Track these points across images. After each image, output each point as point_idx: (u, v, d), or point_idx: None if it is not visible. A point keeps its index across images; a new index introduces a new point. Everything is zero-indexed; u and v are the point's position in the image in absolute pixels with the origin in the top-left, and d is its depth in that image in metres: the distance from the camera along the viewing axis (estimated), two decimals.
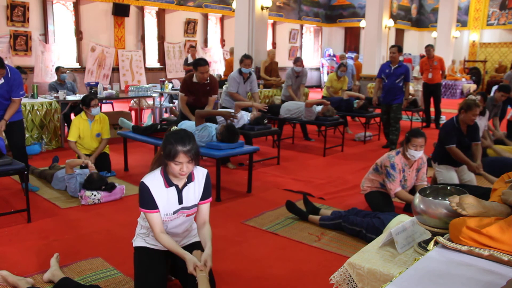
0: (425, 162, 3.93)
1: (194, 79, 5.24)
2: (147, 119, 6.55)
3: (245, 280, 2.78)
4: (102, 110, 6.60)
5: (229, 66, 10.28)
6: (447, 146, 4.35)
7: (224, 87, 6.79)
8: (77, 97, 6.67)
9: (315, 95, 13.34)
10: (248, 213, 3.93)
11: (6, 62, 4.13)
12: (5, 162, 3.51)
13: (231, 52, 10.54)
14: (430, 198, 1.78)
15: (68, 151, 5.78)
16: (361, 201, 4.23)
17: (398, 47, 6.66)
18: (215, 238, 3.33)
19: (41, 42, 10.62)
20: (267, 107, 5.75)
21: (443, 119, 9.41)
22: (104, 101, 7.63)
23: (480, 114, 4.86)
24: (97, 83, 8.11)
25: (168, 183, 2.32)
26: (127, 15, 11.95)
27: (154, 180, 2.31)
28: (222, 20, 14.99)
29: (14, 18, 10.17)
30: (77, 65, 11.54)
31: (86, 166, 4.40)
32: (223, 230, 3.54)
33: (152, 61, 13.33)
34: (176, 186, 2.34)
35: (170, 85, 8.73)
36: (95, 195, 4.08)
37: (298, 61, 7.23)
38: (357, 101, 7.54)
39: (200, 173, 2.43)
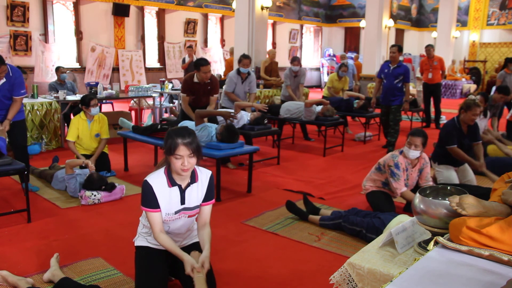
0: (427, 162, 3.93)
1: (195, 79, 5.24)
2: (147, 119, 6.55)
3: (245, 280, 2.78)
4: (102, 110, 6.61)
5: (229, 66, 10.28)
6: (448, 146, 4.35)
7: (224, 87, 6.79)
8: (77, 97, 6.66)
9: (315, 95, 13.34)
10: (248, 213, 3.93)
11: (6, 62, 4.13)
12: (5, 162, 3.51)
13: (231, 52, 10.54)
14: (430, 198, 1.78)
15: (68, 151, 5.77)
16: (361, 201, 4.23)
17: (398, 47, 6.49)
18: (215, 238, 3.33)
19: (41, 42, 10.62)
20: (267, 107, 5.75)
21: (443, 119, 9.41)
22: (104, 101, 7.63)
23: (482, 115, 4.86)
24: (97, 83, 8.11)
25: (171, 182, 2.32)
26: (127, 15, 11.96)
27: (157, 179, 2.31)
28: (222, 20, 15.00)
29: (14, 18, 10.17)
30: (77, 65, 11.54)
31: (86, 166, 4.40)
32: (223, 230, 3.54)
33: (152, 61, 13.33)
34: (179, 186, 2.33)
35: (170, 85, 8.73)
36: (95, 195, 4.08)
37: (295, 60, 7.21)
38: (357, 101, 7.53)
39: (204, 174, 2.43)
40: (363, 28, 15.40)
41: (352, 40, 19.22)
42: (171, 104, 9.01)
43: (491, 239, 1.49)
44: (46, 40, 10.75)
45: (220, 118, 5.35)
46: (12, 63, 9.44)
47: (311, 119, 6.39)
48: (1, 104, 4.14)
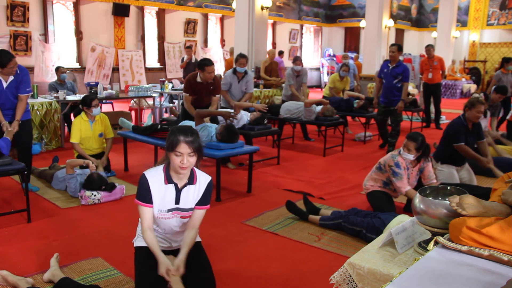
0: (428, 161, 3.93)
1: (198, 79, 5.24)
2: (147, 119, 6.55)
3: (245, 280, 2.78)
4: (102, 110, 6.60)
5: (229, 66, 10.28)
6: (456, 144, 4.35)
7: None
8: (77, 97, 6.66)
9: (315, 95, 13.34)
10: (248, 213, 3.93)
11: None
12: (5, 162, 3.51)
13: (231, 52, 10.54)
14: (430, 198, 1.78)
15: (68, 151, 5.78)
16: (361, 201, 4.23)
17: (398, 46, 6.40)
18: (215, 238, 3.34)
19: (41, 42, 10.62)
20: (267, 108, 5.75)
21: (443, 119, 9.41)
22: (104, 101, 7.63)
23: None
24: (97, 83, 8.10)
25: (168, 180, 2.32)
26: (127, 15, 11.95)
27: (154, 175, 2.32)
28: (222, 20, 14.99)
29: (14, 18, 10.17)
30: (77, 65, 11.54)
31: (86, 166, 4.39)
32: (223, 230, 3.54)
33: (152, 61, 13.33)
34: (176, 185, 2.34)
35: (170, 85, 8.73)
36: (95, 195, 4.08)
37: (297, 60, 7.21)
38: (357, 101, 7.53)
39: (203, 178, 2.43)
40: (363, 28, 15.40)
41: (352, 40, 19.22)
42: (171, 104, 9.01)
43: (491, 239, 1.49)
44: (46, 40, 10.75)
45: (220, 118, 5.35)
46: None
47: (311, 119, 6.39)
48: (8, 103, 4.13)
